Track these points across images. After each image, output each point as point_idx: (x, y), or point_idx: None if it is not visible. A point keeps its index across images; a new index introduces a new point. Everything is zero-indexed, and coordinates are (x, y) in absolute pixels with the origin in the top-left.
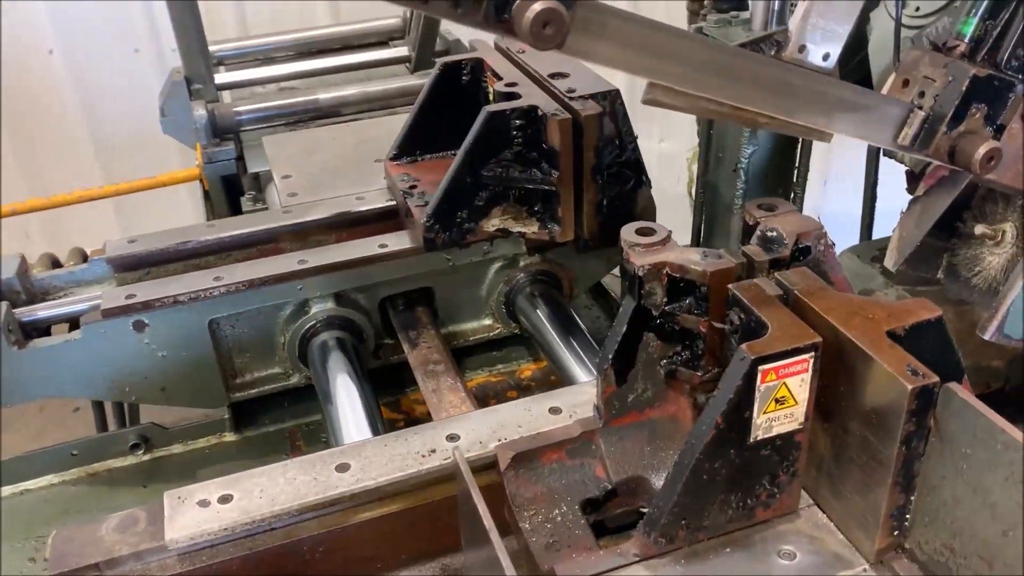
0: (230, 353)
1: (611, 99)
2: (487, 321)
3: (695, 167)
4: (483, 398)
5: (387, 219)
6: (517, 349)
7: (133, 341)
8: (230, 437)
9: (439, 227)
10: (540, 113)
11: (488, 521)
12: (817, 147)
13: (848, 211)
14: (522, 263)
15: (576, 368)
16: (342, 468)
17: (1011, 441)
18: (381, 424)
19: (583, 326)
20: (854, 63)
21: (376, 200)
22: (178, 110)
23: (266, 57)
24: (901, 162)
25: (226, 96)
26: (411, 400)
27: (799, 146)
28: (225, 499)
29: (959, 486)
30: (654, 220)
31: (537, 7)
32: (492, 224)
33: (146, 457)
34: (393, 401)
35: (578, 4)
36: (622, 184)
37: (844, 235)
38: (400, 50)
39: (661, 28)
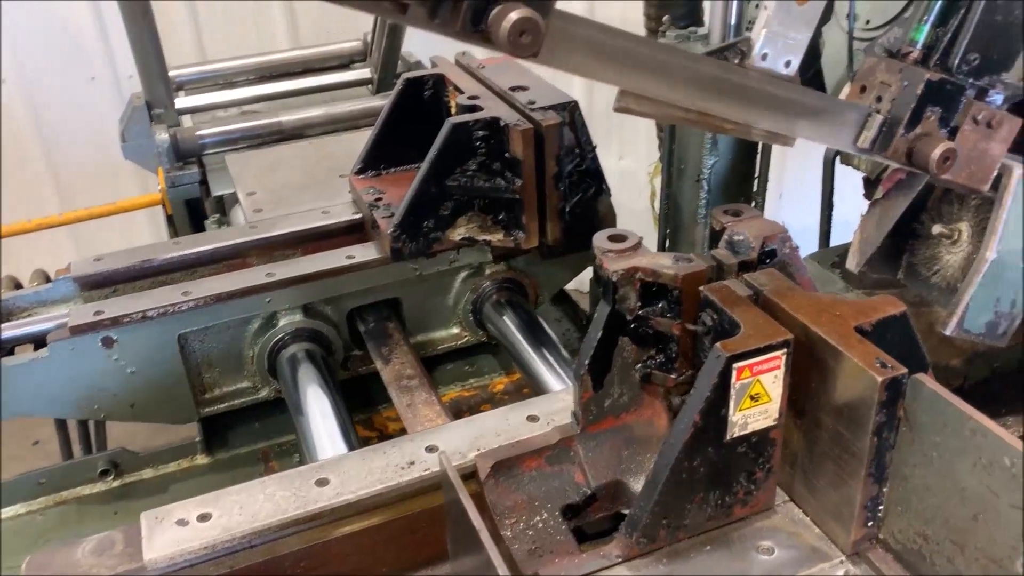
0: (199, 368)
1: (570, 110)
2: (455, 330)
3: (657, 181)
4: (457, 412)
5: (353, 232)
6: (489, 363)
7: (101, 357)
8: (202, 460)
9: (406, 237)
10: (502, 124)
11: (478, 522)
12: (772, 162)
13: (803, 223)
14: (488, 271)
15: (542, 368)
16: (322, 483)
17: (979, 427)
18: (354, 434)
19: (548, 329)
20: (808, 75)
21: (341, 214)
22: (139, 135)
23: (226, 81)
24: (858, 168)
25: (186, 120)
26: (384, 417)
27: (759, 154)
28: (204, 517)
29: (930, 474)
30: (615, 227)
31: (514, 16)
32: (458, 233)
33: (116, 483)
34: (366, 419)
35: (553, 14)
36: (583, 191)
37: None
38: (362, 72)
39: (632, 38)
